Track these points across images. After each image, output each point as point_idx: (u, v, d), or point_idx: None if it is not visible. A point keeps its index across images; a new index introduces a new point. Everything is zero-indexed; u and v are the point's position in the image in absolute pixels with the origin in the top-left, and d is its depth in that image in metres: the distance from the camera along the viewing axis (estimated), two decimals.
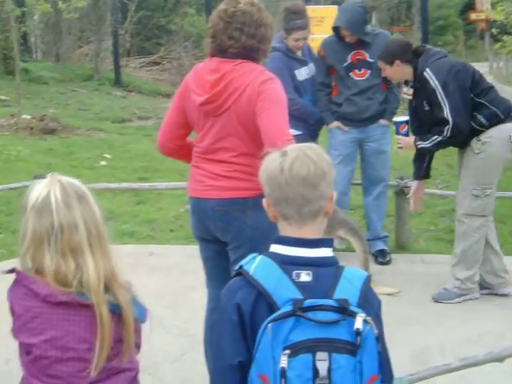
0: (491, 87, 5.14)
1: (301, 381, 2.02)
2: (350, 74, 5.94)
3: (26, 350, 2.37)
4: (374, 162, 6.11)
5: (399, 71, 5.25)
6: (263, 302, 2.09)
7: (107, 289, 2.38)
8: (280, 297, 2.07)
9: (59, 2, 15.00)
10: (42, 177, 2.50)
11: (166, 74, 21.80)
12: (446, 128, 4.99)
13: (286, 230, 2.20)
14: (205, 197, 3.66)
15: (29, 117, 12.70)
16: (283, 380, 2.00)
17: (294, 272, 2.11)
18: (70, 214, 2.37)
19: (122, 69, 19.93)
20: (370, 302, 2.14)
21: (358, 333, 2.03)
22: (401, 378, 2.37)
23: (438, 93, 4.99)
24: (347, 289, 2.11)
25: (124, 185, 7.92)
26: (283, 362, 2.01)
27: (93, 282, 2.34)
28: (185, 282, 5.59)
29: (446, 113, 4.97)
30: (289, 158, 2.16)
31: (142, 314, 2.41)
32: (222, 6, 3.58)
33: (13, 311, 2.38)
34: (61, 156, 10.75)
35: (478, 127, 5.05)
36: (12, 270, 2.41)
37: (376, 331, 2.07)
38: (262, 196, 2.27)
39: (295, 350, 2.02)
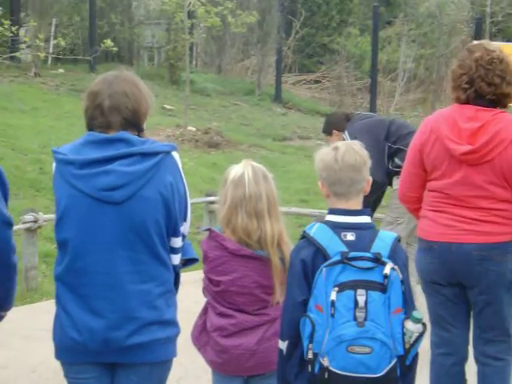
0: (409, 132, 5.57)
1: (345, 309, 2.86)
2: None
3: (214, 284, 3.43)
4: None
5: (337, 140, 5.79)
6: (320, 255, 2.95)
7: (278, 245, 3.38)
8: (332, 250, 2.93)
9: (228, 16, 15.09)
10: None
11: (324, 92, 21.64)
12: None
13: (336, 204, 3.06)
14: (460, 241, 3.72)
15: (194, 129, 12.82)
16: (332, 308, 2.86)
17: (342, 233, 2.98)
18: (257, 187, 3.35)
19: (282, 85, 19.90)
20: (398, 255, 3.00)
21: (386, 276, 2.88)
22: (417, 312, 2.94)
23: None
24: (380, 245, 2.96)
25: (292, 209, 7.81)
26: (333, 295, 2.86)
27: (269, 239, 3.36)
28: None
29: None
30: (341, 151, 3.00)
31: None
32: (475, 53, 3.65)
33: (206, 257, 3.44)
34: (224, 171, 10.70)
35: (394, 168, 5.81)
36: (208, 229, 3.51)
37: (401, 276, 2.93)
38: None
39: (342, 287, 2.87)
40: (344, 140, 5.87)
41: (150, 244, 2.94)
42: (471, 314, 4.01)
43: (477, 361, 4.03)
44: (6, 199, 3.00)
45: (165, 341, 3.01)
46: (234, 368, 3.51)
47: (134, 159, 2.90)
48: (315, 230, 3.02)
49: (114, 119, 2.97)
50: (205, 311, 3.59)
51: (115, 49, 10.09)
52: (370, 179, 3.09)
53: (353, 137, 5.81)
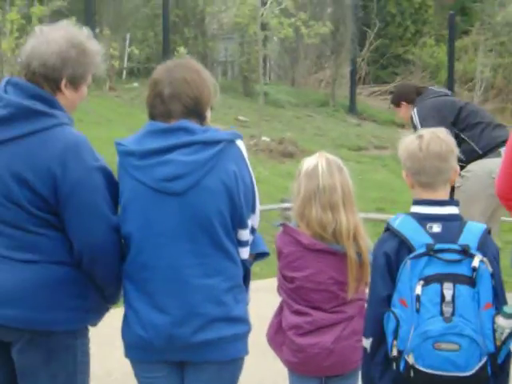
0: (479, 123, 5.45)
1: (431, 304, 2.69)
2: None
3: (289, 281, 3.30)
4: None
5: (404, 112, 5.82)
6: (404, 247, 2.79)
7: (354, 238, 3.25)
8: (417, 242, 2.77)
9: (302, 28, 15.00)
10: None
11: None
12: None
13: (422, 194, 2.91)
14: None
15: (268, 139, 12.72)
16: (418, 303, 2.69)
17: (428, 225, 2.81)
18: (332, 179, 3.24)
19: (356, 96, 19.70)
20: (488, 247, 2.81)
21: (474, 269, 2.71)
22: (509, 306, 2.74)
23: (417, 129, 5.27)
24: (468, 237, 2.79)
25: (369, 215, 7.64)
26: (418, 289, 2.69)
27: (345, 231, 3.23)
28: None
29: None
30: (425, 140, 2.86)
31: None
32: None
33: (281, 252, 3.34)
34: None
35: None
36: (282, 224, 3.39)
37: (491, 269, 2.74)
38: None
39: (427, 281, 2.70)
40: (412, 114, 5.71)
41: (213, 236, 2.80)
42: None
43: None
44: (115, 202, 2.89)
45: (233, 338, 2.86)
46: (310, 368, 3.36)
47: (194, 148, 2.77)
48: (399, 222, 2.88)
49: (175, 107, 2.85)
50: (280, 310, 3.46)
51: (187, 55, 10.05)
52: (458, 169, 2.99)
53: (421, 115, 5.60)
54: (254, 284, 3.79)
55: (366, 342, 2.92)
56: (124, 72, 17.11)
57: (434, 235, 2.80)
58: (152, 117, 2.90)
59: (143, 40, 18.84)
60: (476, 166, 5.38)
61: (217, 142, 2.79)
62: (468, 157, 5.38)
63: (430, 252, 2.74)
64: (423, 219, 2.85)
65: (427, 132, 2.94)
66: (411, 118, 5.68)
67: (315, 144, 13.73)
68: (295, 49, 21.32)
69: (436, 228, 2.82)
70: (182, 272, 2.78)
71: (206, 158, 2.76)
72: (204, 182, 2.76)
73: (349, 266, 3.25)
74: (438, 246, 2.76)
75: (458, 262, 2.74)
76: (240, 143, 2.87)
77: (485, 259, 2.76)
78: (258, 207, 2.97)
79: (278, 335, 3.43)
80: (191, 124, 2.82)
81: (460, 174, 5.23)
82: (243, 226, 2.87)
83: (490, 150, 5.20)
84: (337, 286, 3.30)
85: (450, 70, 18.49)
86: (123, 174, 2.84)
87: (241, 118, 14.80)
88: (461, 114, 5.62)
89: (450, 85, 18.40)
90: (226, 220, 2.81)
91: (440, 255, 2.74)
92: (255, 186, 2.92)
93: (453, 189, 5.38)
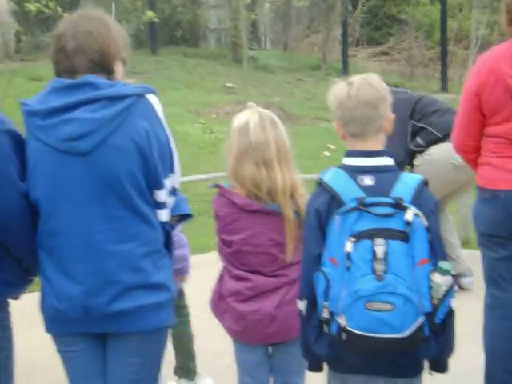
0: (436, 110, 5.45)
1: (362, 262, 2.52)
2: None
3: (227, 245, 3.14)
4: None
5: None
6: (335, 202, 2.62)
7: (291, 197, 3.06)
8: (347, 196, 2.61)
9: None
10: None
11: (394, 64, 21.03)
12: None
13: (353, 145, 2.74)
14: None
15: (254, 104, 12.47)
16: (348, 261, 2.53)
17: (359, 177, 2.65)
18: (264, 134, 3.06)
19: (350, 59, 19.40)
20: (424, 199, 2.65)
21: (407, 223, 2.54)
22: (444, 262, 2.59)
23: None
24: (402, 189, 2.62)
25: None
26: (348, 246, 2.53)
27: (281, 189, 3.04)
28: None
29: None
30: (355, 86, 2.68)
31: None
32: None
33: (217, 216, 3.16)
34: None
35: (415, 148, 5.47)
36: (216, 185, 3.17)
37: (426, 223, 2.57)
38: None
39: (358, 237, 2.53)
40: None
41: (125, 198, 2.60)
42: None
43: None
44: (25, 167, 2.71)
45: (154, 307, 2.68)
46: (253, 335, 3.20)
47: (100, 104, 2.57)
48: (329, 176, 2.71)
49: (79, 62, 2.65)
50: (222, 276, 3.29)
51: (157, 20, 9.81)
52: (392, 116, 2.78)
53: None
54: (208, 256, 3.66)
55: (301, 305, 2.77)
56: None
57: (365, 188, 2.63)
58: (58, 74, 2.70)
59: (132, 11, 18.54)
60: (436, 150, 5.35)
61: (124, 97, 2.59)
62: (428, 141, 5.44)
63: (360, 206, 2.57)
64: (354, 171, 2.68)
65: (357, 78, 2.75)
66: None
67: (303, 108, 13.53)
68: (287, 13, 21.00)
69: (368, 180, 2.65)
70: (93, 238, 2.61)
71: (112, 114, 2.56)
72: (111, 140, 2.57)
73: (286, 226, 3.08)
74: (369, 200, 2.59)
75: (391, 216, 2.57)
76: (152, 98, 2.67)
77: (419, 212, 2.58)
78: (178, 167, 2.78)
79: (220, 302, 3.26)
80: (97, 79, 2.63)
81: (423, 157, 5.45)
82: (159, 186, 2.68)
83: (448, 134, 5.10)
84: (277, 248, 3.12)
85: (442, 28, 18.24)
86: (29, 135, 2.66)
87: (229, 84, 14.57)
88: (417, 106, 5.60)
89: (443, 43, 18.17)
90: (138, 180, 2.61)
91: (371, 209, 2.57)
92: (172, 143, 2.72)
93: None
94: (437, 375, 2.80)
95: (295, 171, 3.16)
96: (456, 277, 5.75)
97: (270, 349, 3.30)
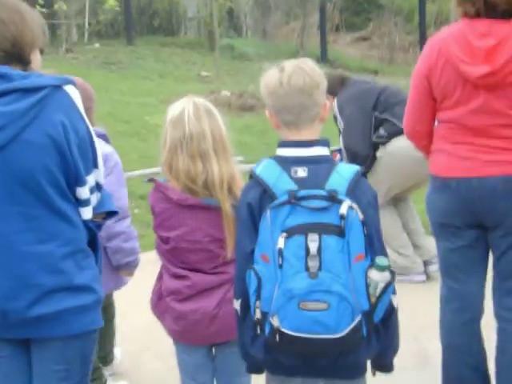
0: (400, 101, 5.15)
1: (295, 258, 2.38)
2: None
3: (164, 241, 3.00)
4: None
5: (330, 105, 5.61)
6: (267, 196, 2.48)
7: (229, 190, 2.91)
8: (279, 189, 2.46)
9: None
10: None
11: (375, 50, 20.86)
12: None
13: (287, 135, 2.59)
14: (482, 175, 3.23)
15: (228, 93, 12.31)
16: (280, 258, 2.38)
17: (292, 169, 2.50)
18: (199, 125, 2.92)
19: (330, 45, 19.21)
20: (361, 191, 2.51)
21: (342, 217, 2.39)
22: (382, 257, 2.44)
23: (337, 119, 5.42)
24: (337, 180, 2.47)
25: None
26: (280, 242, 2.38)
27: (218, 182, 2.90)
28: None
29: (340, 137, 5.40)
30: (286, 73, 2.51)
31: None
32: None
33: (153, 211, 3.03)
34: (255, 134, 10.27)
35: (378, 140, 5.35)
36: (151, 179, 3.03)
37: (361, 216, 2.41)
38: None
39: (290, 232, 2.39)
40: (333, 105, 5.49)
41: (42, 196, 2.44)
42: (488, 263, 3.50)
43: (496, 316, 3.48)
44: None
45: (78, 310, 2.52)
46: (194, 336, 3.05)
47: (12, 97, 2.39)
48: (261, 168, 2.56)
49: None
50: (161, 275, 3.14)
51: (118, 8, 9.61)
52: (328, 104, 2.63)
53: (340, 105, 5.46)
54: (151, 254, 3.49)
55: (237, 304, 2.62)
56: (86, 34, 16.61)
57: (298, 180, 2.48)
58: None
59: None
60: (398, 142, 5.18)
61: (39, 89, 2.41)
62: (390, 133, 5.31)
63: (293, 200, 2.42)
64: (288, 163, 2.53)
65: (290, 64, 2.58)
66: (333, 109, 5.48)
67: None
68: (265, 1, 20.80)
69: (301, 172, 2.50)
70: (8, 239, 2.43)
71: (25, 107, 2.39)
72: (24, 135, 2.40)
73: (224, 221, 2.94)
74: (302, 193, 2.44)
75: (325, 209, 2.42)
76: (71, 89, 2.49)
77: (354, 205, 2.43)
78: (102, 162, 2.61)
79: (160, 302, 3.12)
80: (9, 69, 2.44)
81: (385, 149, 5.40)
82: (80, 183, 2.51)
83: None
84: (215, 245, 2.98)
85: (421, 13, 18.08)
86: None
87: (203, 73, 14.35)
88: (380, 97, 5.44)
89: (422, 28, 18.02)
90: (56, 177, 2.45)
91: (304, 203, 2.42)
92: (94, 137, 2.55)
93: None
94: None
95: (233, 163, 3.01)
96: (425, 265, 5.72)
97: (213, 349, 3.15)
